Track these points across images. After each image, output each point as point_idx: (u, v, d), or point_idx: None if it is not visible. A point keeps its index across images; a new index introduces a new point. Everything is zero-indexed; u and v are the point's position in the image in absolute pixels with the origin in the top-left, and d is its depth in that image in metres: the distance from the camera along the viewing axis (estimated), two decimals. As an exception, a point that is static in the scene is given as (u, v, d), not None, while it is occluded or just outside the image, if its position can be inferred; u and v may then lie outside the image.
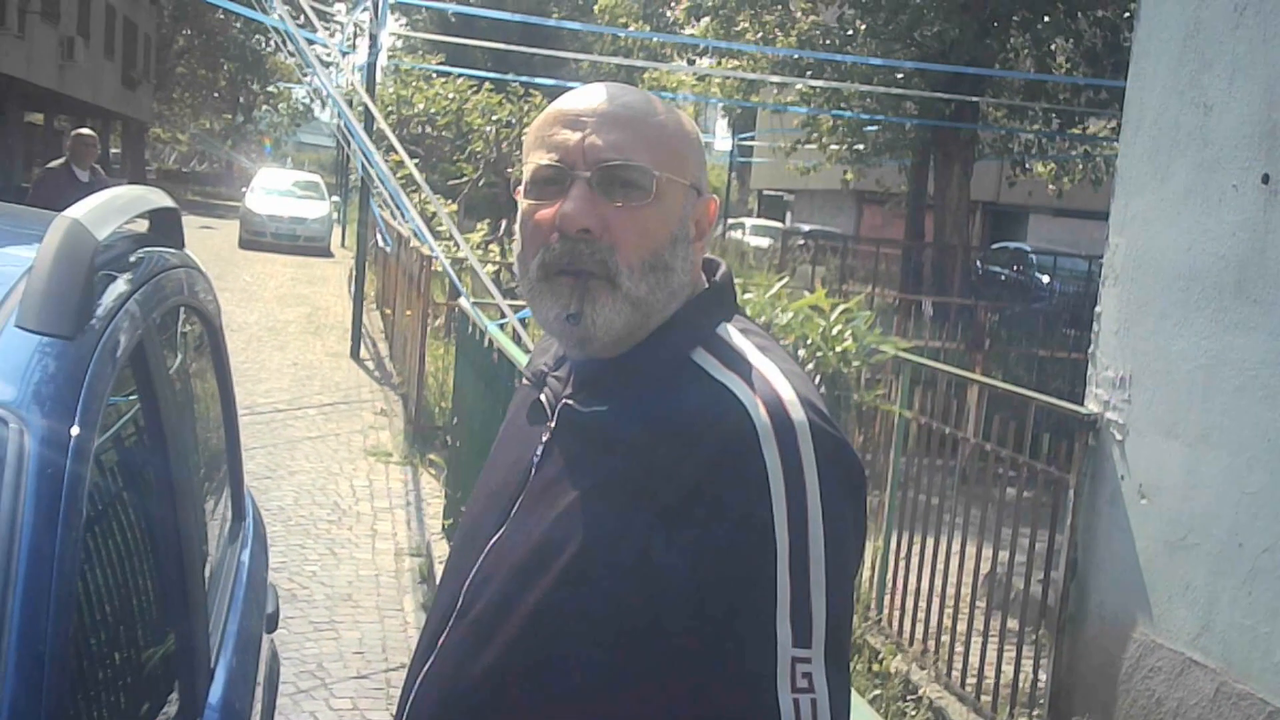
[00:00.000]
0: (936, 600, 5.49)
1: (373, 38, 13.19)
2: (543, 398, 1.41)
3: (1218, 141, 4.23)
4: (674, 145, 1.34)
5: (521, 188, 1.35)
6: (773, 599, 1.16)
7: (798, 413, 1.21)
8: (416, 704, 1.36)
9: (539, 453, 1.36)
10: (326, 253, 24.83)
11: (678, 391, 1.27)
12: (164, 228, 2.51)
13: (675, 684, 1.19)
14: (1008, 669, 4.98)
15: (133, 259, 2.13)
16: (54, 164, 9.70)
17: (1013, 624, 5.12)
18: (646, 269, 1.30)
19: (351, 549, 6.37)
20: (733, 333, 1.33)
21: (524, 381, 1.50)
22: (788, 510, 1.17)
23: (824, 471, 1.19)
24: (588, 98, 1.35)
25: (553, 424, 1.36)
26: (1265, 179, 4.00)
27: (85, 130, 10.06)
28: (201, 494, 2.54)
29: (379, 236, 14.06)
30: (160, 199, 2.52)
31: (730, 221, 41.77)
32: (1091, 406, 4.77)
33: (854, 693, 1.79)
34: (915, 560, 5.69)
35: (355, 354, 12.26)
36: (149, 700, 1.90)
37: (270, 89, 53.14)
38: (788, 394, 1.23)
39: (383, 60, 19.25)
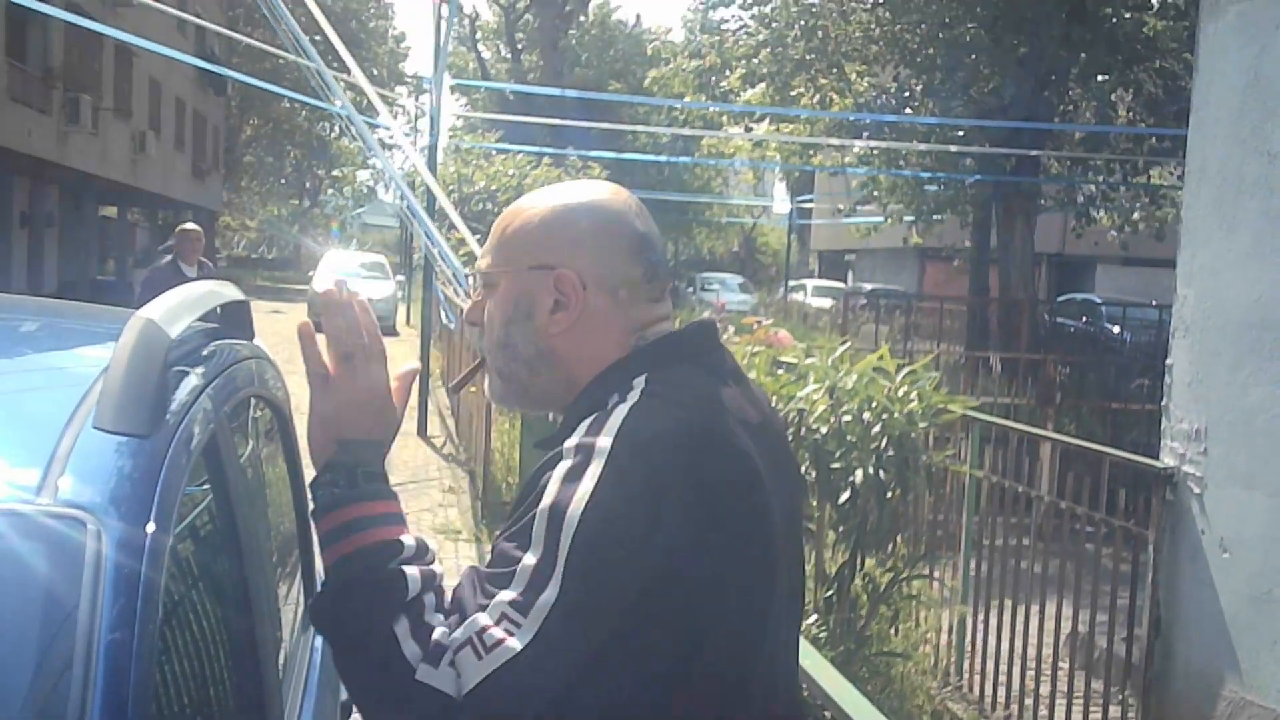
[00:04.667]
0: (1018, 662, 5.39)
1: (432, 119, 13.46)
2: None
3: (1283, 188, 4.18)
4: (516, 238, 1.55)
5: None
6: (513, 568, 1.30)
7: (604, 440, 1.34)
8: None
9: None
10: (392, 331, 25.10)
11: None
12: (234, 319, 2.55)
13: None
14: (1095, 733, 4.87)
15: (205, 353, 2.16)
16: (161, 262, 9.72)
17: (1097, 685, 5.00)
18: (497, 348, 1.56)
19: (426, 628, 6.36)
20: (642, 382, 1.45)
21: None
22: (551, 507, 1.31)
23: (603, 482, 1.30)
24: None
25: None
26: (1333, 224, 3.94)
27: (190, 226, 9.99)
28: (274, 581, 2.57)
29: (443, 314, 14.22)
30: (231, 292, 2.57)
31: (791, 284, 41.74)
32: (1167, 460, 4.69)
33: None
34: (994, 622, 5.59)
35: (422, 432, 12.36)
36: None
37: (335, 173, 54.22)
38: (610, 426, 1.36)
39: (444, 140, 19.61)
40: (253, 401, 2.58)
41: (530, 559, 1.30)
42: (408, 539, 1.39)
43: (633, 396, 1.42)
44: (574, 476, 1.32)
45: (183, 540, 1.81)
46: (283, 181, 54.51)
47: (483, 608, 1.29)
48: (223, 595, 1.99)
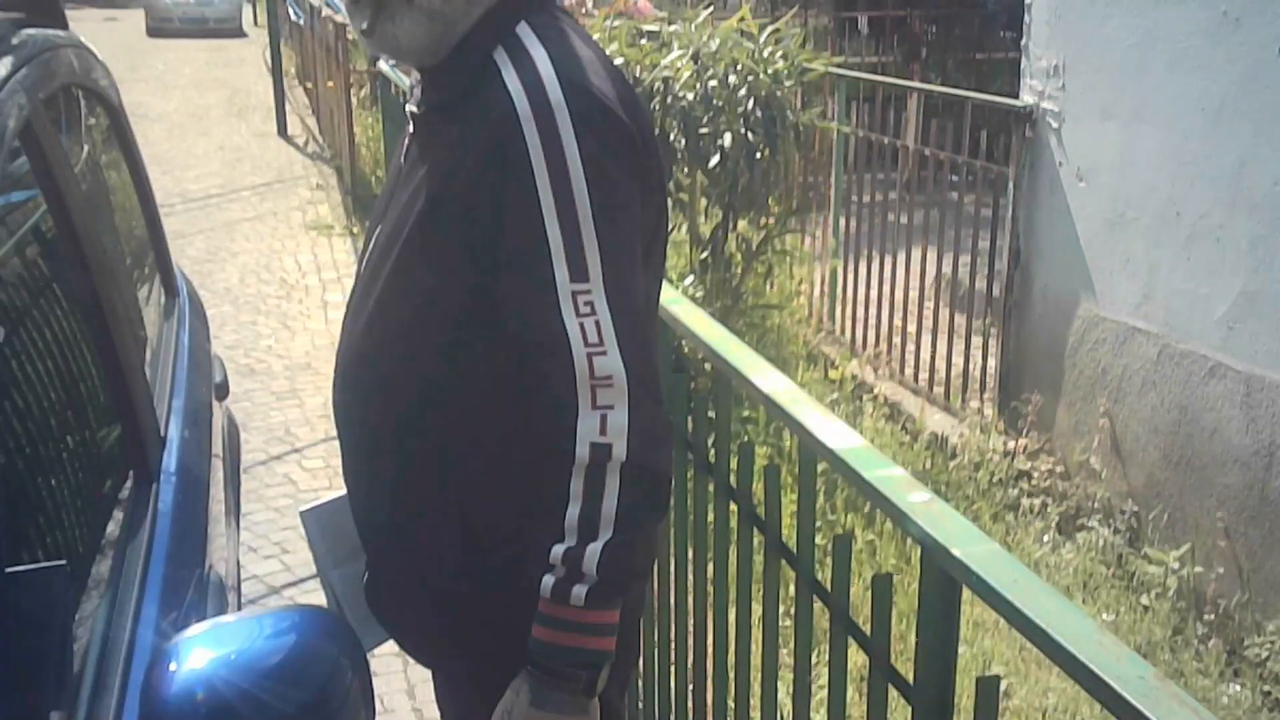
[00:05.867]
0: (887, 306, 5.58)
1: None
2: (408, 109, 1.62)
3: None
4: None
5: None
6: (546, 247, 1.35)
7: (555, 93, 1.37)
8: (337, 352, 1.65)
9: (403, 156, 1.60)
10: (239, 33, 23.87)
11: (474, 90, 1.44)
12: (42, 10, 2.37)
13: (482, 338, 1.42)
14: (959, 361, 5.11)
15: (14, 41, 2.03)
16: None
17: (961, 319, 5.22)
18: None
19: (304, 320, 6.36)
20: (528, 29, 1.46)
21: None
22: (550, 175, 1.35)
23: (583, 138, 1.36)
24: None
25: (410, 129, 1.60)
26: None
27: None
28: (128, 277, 2.50)
29: (290, 9, 13.51)
30: (32, -23, 2.36)
31: (655, -45, 40.28)
32: (1027, 98, 4.74)
33: (806, 393, 1.82)
34: (864, 272, 5.74)
35: (282, 132, 11.96)
36: (108, 476, 1.92)
37: None
38: (548, 76, 1.39)
39: None
40: (79, 96, 2.44)
41: (556, 238, 1.35)
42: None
43: (535, 46, 1.43)
44: (550, 140, 1.35)
45: (20, 251, 1.75)
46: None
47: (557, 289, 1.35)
48: (68, 292, 1.94)
